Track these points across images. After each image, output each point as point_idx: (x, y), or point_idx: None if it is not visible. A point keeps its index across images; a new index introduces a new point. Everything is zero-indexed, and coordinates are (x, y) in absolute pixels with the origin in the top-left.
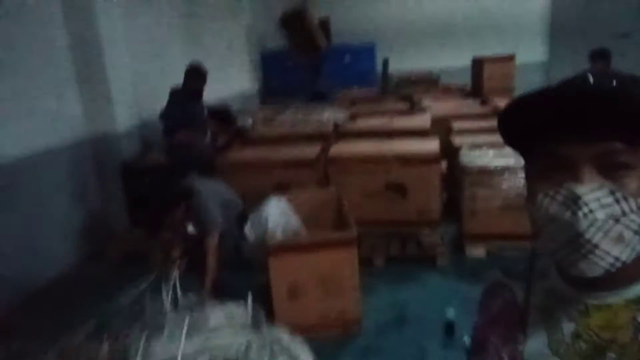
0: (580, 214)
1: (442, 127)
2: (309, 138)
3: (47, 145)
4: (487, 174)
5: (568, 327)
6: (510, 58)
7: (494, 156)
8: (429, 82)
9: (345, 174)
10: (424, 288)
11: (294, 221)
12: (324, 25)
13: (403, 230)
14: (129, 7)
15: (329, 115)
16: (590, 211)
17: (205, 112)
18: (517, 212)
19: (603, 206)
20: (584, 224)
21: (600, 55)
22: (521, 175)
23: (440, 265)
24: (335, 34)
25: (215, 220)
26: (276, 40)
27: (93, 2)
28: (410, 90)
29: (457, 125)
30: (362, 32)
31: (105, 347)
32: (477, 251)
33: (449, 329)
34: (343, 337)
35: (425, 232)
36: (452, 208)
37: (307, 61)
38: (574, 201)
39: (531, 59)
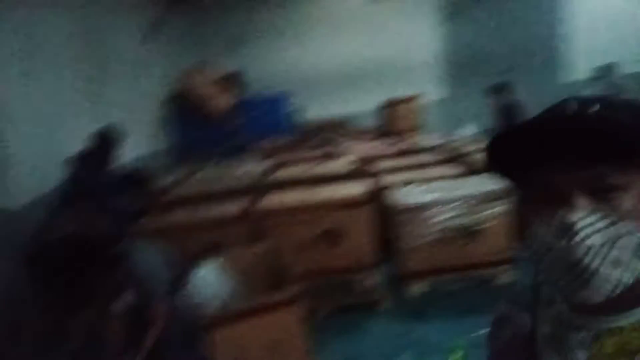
0: (576, 240)
1: (364, 169)
2: (233, 193)
3: None
4: (418, 210)
5: (581, 355)
6: (416, 98)
7: (422, 192)
8: (343, 127)
9: (278, 227)
10: (372, 336)
11: (230, 286)
12: (235, 79)
13: (342, 278)
14: (28, 66)
15: (252, 168)
16: (587, 237)
17: (114, 180)
18: (451, 245)
19: (598, 231)
20: (580, 251)
21: (499, 90)
22: (453, 206)
23: (383, 309)
24: (249, 86)
25: (162, 285)
26: None
27: None
28: (328, 135)
29: (378, 165)
30: (276, 82)
31: None
32: (417, 289)
33: None
34: None
35: (365, 276)
36: (386, 248)
37: (220, 118)
38: (569, 229)
39: (433, 98)
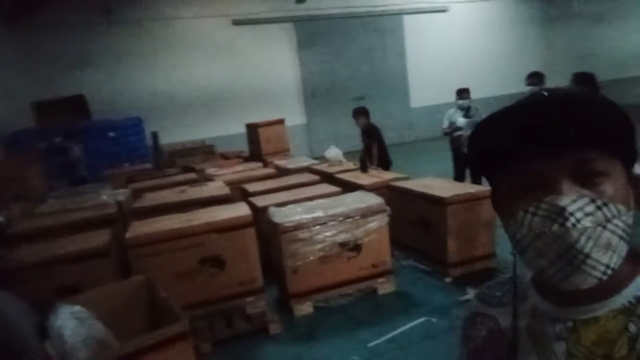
0: (568, 224)
1: (236, 193)
2: (89, 225)
3: None
4: (302, 229)
5: (559, 347)
6: (281, 121)
7: (302, 211)
8: (204, 152)
9: (150, 257)
10: None
11: (98, 329)
12: (79, 102)
13: (227, 306)
14: None
15: (108, 196)
16: (577, 221)
17: None
18: (335, 262)
19: (587, 214)
20: (574, 234)
21: (360, 113)
22: (333, 224)
23: (273, 334)
24: (96, 110)
25: (28, 338)
26: (20, 122)
27: None
28: (187, 161)
29: (250, 187)
30: (126, 106)
31: None
32: (304, 308)
33: None
34: None
35: (251, 302)
36: (268, 271)
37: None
38: (559, 213)
39: (295, 122)
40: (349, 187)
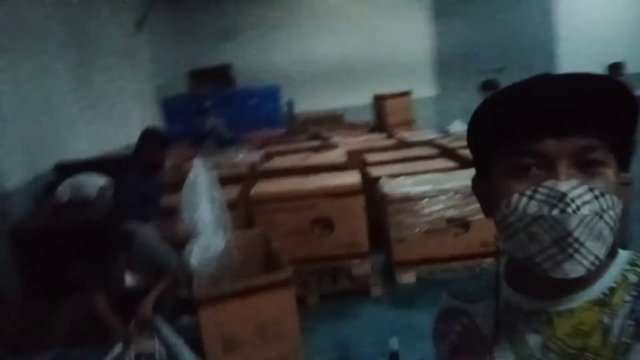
0: (569, 210)
1: (355, 161)
2: (224, 181)
3: None
4: (409, 201)
5: (534, 340)
6: (408, 94)
7: (412, 184)
8: (334, 121)
9: (270, 214)
10: (362, 322)
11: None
12: (225, 71)
13: (333, 265)
14: (12, 54)
15: (243, 157)
16: (578, 208)
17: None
18: (441, 236)
19: (585, 203)
20: (574, 221)
21: (489, 87)
22: (443, 198)
23: (374, 296)
24: (239, 79)
25: (173, 260)
26: (175, 88)
27: None
28: (317, 129)
29: (370, 157)
30: (265, 75)
31: None
32: (407, 277)
33: (394, 359)
34: None
35: (356, 264)
36: (376, 238)
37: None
38: (560, 199)
39: (424, 94)
40: (468, 163)
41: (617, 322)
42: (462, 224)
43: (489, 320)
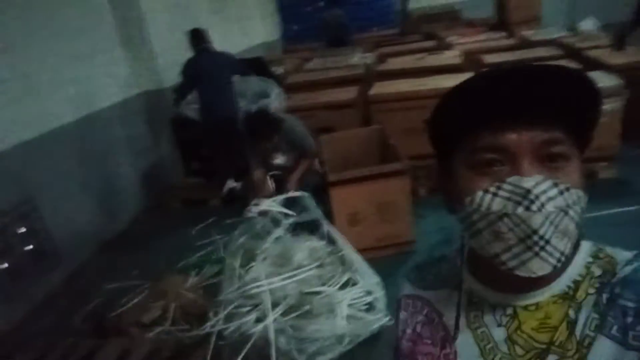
0: (534, 208)
1: (472, 63)
2: (342, 82)
3: (101, 105)
4: None
5: (499, 334)
6: None
7: None
8: (451, 17)
9: (386, 112)
10: None
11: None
12: None
13: None
14: None
15: (358, 59)
16: (542, 205)
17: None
18: None
19: (550, 199)
20: (538, 218)
21: None
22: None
23: None
24: None
25: (313, 144)
26: None
27: None
28: (433, 27)
29: (487, 58)
30: None
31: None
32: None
33: None
34: (398, 257)
35: None
36: None
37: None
38: (524, 196)
39: None
40: (595, 65)
41: (582, 315)
42: None
43: (452, 311)
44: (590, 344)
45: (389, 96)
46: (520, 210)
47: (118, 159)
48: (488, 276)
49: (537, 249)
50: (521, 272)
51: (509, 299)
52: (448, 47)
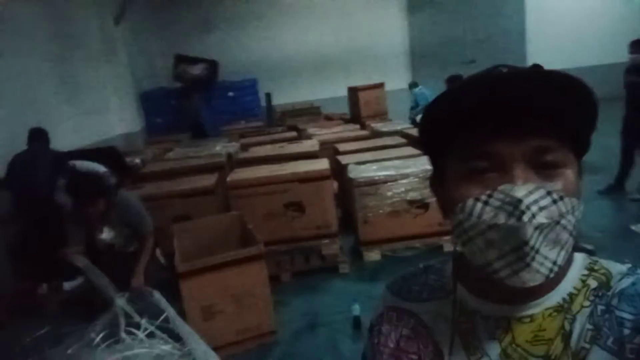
0: (525, 218)
1: (329, 151)
2: (203, 170)
3: None
4: (373, 185)
5: (492, 347)
6: (381, 85)
7: (377, 169)
8: (311, 113)
9: (245, 198)
10: (331, 294)
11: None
12: (213, 67)
13: (305, 245)
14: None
15: (221, 148)
16: (533, 216)
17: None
18: (403, 217)
19: (542, 208)
20: (528, 230)
21: (454, 81)
22: (404, 182)
23: (342, 273)
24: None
25: (150, 224)
26: (154, 81)
27: None
28: (295, 121)
29: (342, 147)
30: (244, 69)
31: None
32: (372, 255)
33: (356, 322)
34: (261, 349)
35: (326, 244)
36: (347, 221)
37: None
38: (515, 206)
39: (398, 86)
40: None
41: (577, 327)
42: (422, 205)
43: (441, 324)
44: (585, 356)
45: (247, 181)
46: (512, 221)
47: None
48: (480, 287)
49: (528, 259)
50: (513, 283)
51: (503, 311)
52: (308, 137)
